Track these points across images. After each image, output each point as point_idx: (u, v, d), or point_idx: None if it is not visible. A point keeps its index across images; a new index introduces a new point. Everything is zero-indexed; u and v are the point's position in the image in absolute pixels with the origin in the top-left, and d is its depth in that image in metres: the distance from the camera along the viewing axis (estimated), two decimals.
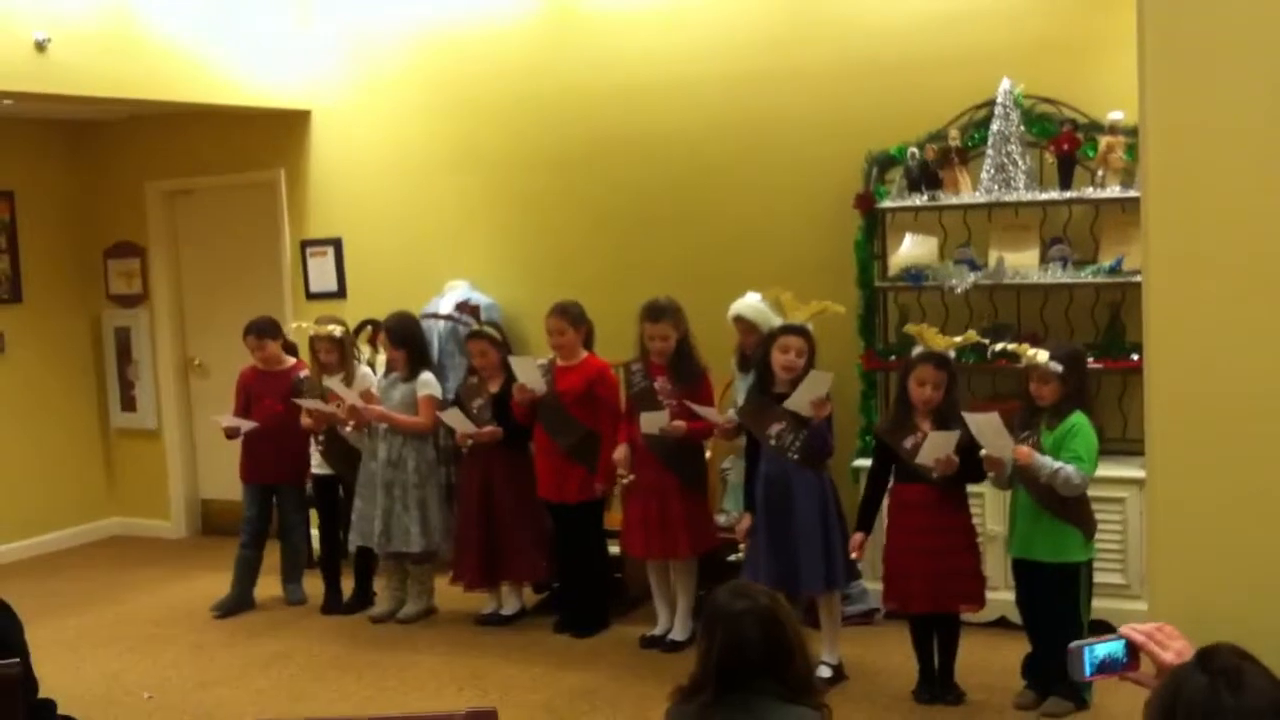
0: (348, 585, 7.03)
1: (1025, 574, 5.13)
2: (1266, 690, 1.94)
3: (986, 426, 4.88)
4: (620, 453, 6.13)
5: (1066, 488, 4.87)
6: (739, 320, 6.22)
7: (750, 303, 6.19)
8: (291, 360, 7.22)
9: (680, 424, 5.91)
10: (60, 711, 3.58)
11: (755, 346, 5.92)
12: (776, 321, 5.72)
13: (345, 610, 6.94)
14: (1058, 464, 4.86)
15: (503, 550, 6.51)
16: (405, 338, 6.73)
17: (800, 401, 5.36)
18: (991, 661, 5.52)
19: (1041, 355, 4.97)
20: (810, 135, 6.80)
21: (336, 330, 6.84)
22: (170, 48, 7.32)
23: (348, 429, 6.71)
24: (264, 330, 7.08)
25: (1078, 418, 4.98)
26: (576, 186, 7.48)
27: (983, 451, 4.96)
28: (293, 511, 7.24)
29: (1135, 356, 5.79)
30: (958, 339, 5.33)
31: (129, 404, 9.11)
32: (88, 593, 7.65)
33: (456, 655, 6.18)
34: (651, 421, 5.91)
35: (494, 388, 6.52)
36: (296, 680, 5.97)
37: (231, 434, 7.09)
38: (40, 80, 6.73)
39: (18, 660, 3.10)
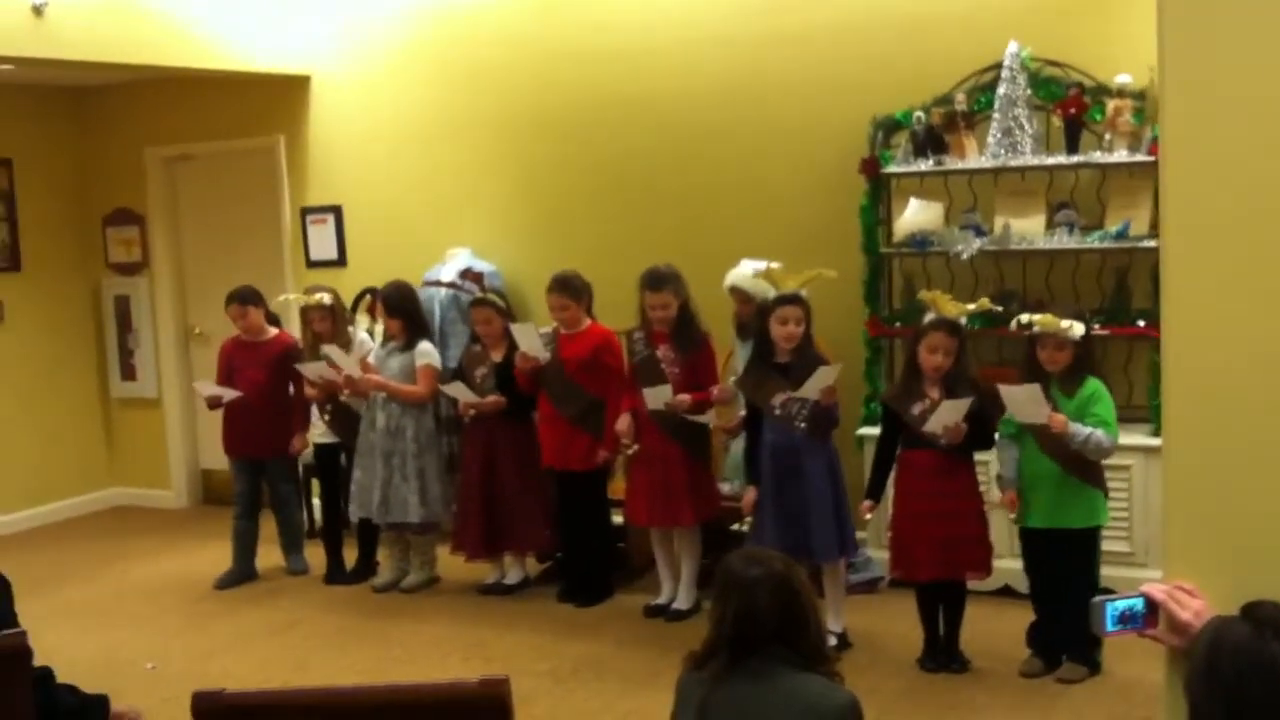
0: (351, 555, 7.01)
1: (1043, 542, 5.10)
2: None
3: (1023, 397, 4.87)
4: (623, 422, 6.10)
5: (1098, 452, 4.91)
6: (735, 291, 6.19)
7: (744, 273, 6.15)
8: (274, 330, 7.14)
9: (685, 398, 5.88)
10: (61, 681, 3.55)
11: (752, 316, 5.89)
12: (771, 291, 5.67)
13: (348, 580, 6.92)
14: (1088, 429, 4.86)
15: (506, 520, 6.49)
16: (401, 307, 6.67)
17: (809, 392, 5.33)
18: (997, 630, 5.50)
19: (1064, 322, 4.92)
20: (814, 99, 6.74)
21: (326, 298, 6.80)
22: (169, 12, 7.25)
23: (344, 395, 6.67)
24: (247, 298, 6.99)
25: (1094, 383, 4.97)
26: (577, 152, 7.42)
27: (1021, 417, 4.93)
28: (283, 483, 7.15)
29: (1141, 323, 5.75)
30: (971, 306, 5.29)
31: (129, 373, 9.08)
32: (89, 563, 7.64)
33: (460, 625, 6.16)
34: (655, 397, 5.87)
35: (497, 356, 6.48)
36: (299, 650, 5.95)
37: (214, 403, 7.01)
38: (38, 45, 6.65)
39: (23, 630, 3.07)
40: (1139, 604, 2.29)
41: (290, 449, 7.02)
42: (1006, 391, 4.92)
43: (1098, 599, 2.30)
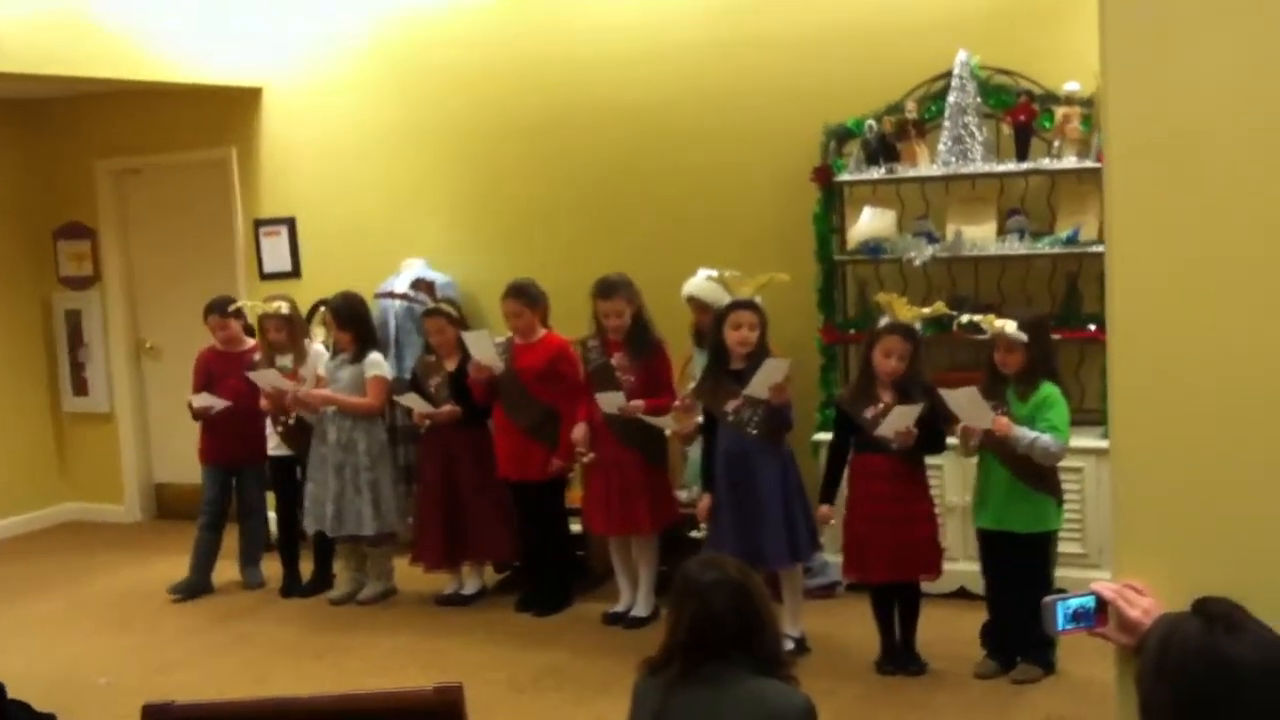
0: (307, 568, 6.97)
1: (995, 544, 5.14)
2: (1264, 639, 1.96)
3: (965, 400, 4.91)
4: (579, 431, 6.10)
5: (1045, 457, 4.92)
6: (692, 300, 6.21)
7: (701, 282, 6.18)
8: (251, 341, 7.13)
9: (638, 403, 5.89)
10: (13, 696, 3.50)
11: (709, 324, 5.91)
12: (727, 298, 5.70)
13: (304, 593, 6.88)
14: (1034, 434, 4.89)
15: (465, 530, 6.48)
16: (351, 318, 6.65)
17: (758, 388, 5.35)
18: (952, 632, 5.54)
19: (1009, 325, 4.98)
20: (767, 107, 6.77)
21: (284, 307, 6.77)
22: (119, 25, 7.20)
23: (293, 415, 6.65)
24: (226, 309, 7.00)
25: (1049, 388, 5.01)
26: (532, 161, 7.42)
27: (960, 425, 4.97)
28: (254, 494, 7.15)
29: (1093, 327, 5.81)
30: (926, 310, 5.34)
31: (81, 387, 8.99)
32: (42, 578, 7.55)
33: (418, 636, 6.14)
34: (609, 402, 5.89)
35: (451, 365, 6.47)
36: (256, 663, 5.91)
37: (201, 414, 6.96)
38: None
39: None
40: (1089, 602, 2.32)
41: (264, 459, 7.00)
42: (949, 395, 4.96)
43: (1049, 599, 2.32)
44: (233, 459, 7.04)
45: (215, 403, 6.91)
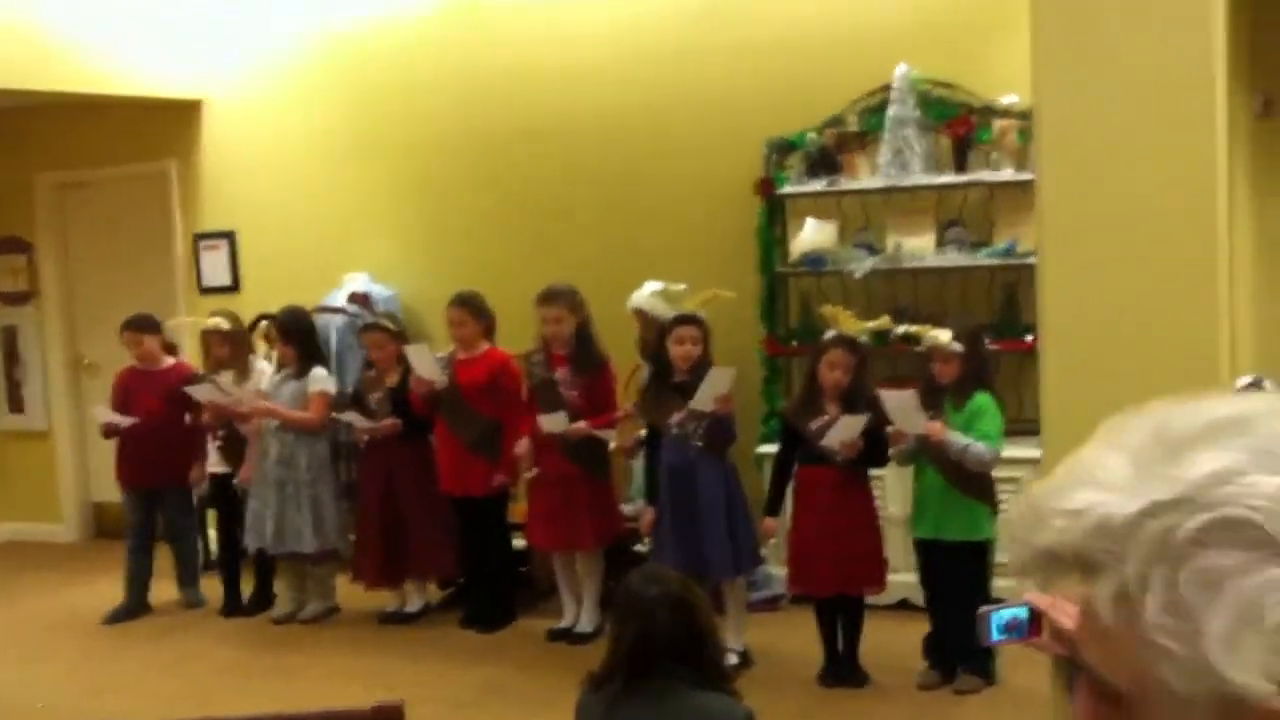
0: (248, 586, 6.89)
1: (932, 554, 5.17)
2: None
3: (901, 403, 4.95)
4: (522, 446, 6.08)
5: (978, 464, 4.96)
6: (638, 313, 6.21)
7: (646, 295, 6.19)
8: (171, 360, 7.00)
9: (580, 426, 5.87)
10: None
11: (653, 337, 5.92)
12: (672, 312, 5.72)
13: (246, 612, 6.80)
14: (967, 440, 4.93)
15: (406, 546, 6.43)
16: (294, 333, 6.58)
17: (704, 400, 5.36)
18: (894, 643, 5.55)
19: (943, 336, 5.03)
20: (709, 120, 6.79)
21: (225, 324, 6.71)
22: (56, 37, 7.11)
23: (243, 426, 6.56)
24: (142, 325, 6.85)
25: (982, 398, 5.06)
26: (475, 175, 7.40)
27: (890, 427, 5.00)
28: (179, 515, 6.99)
29: (1030, 337, 5.84)
30: (871, 324, 5.37)
31: (16, 405, 8.87)
32: None
33: (361, 654, 6.08)
34: (552, 423, 5.86)
35: (392, 380, 6.43)
36: (197, 684, 5.84)
37: (110, 431, 6.84)
38: None
39: None
40: (1023, 613, 2.32)
41: (188, 479, 6.88)
42: (887, 397, 5.01)
43: (983, 609, 2.32)
44: (153, 480, 6.86)
45: (120, 420, 6.75)
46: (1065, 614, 2.28)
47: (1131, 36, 2.80)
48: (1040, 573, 0.88)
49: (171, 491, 6.91)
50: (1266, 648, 0.77)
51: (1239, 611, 0.78)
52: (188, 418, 6.86)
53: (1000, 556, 5.45)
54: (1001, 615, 2.32)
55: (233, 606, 6.84)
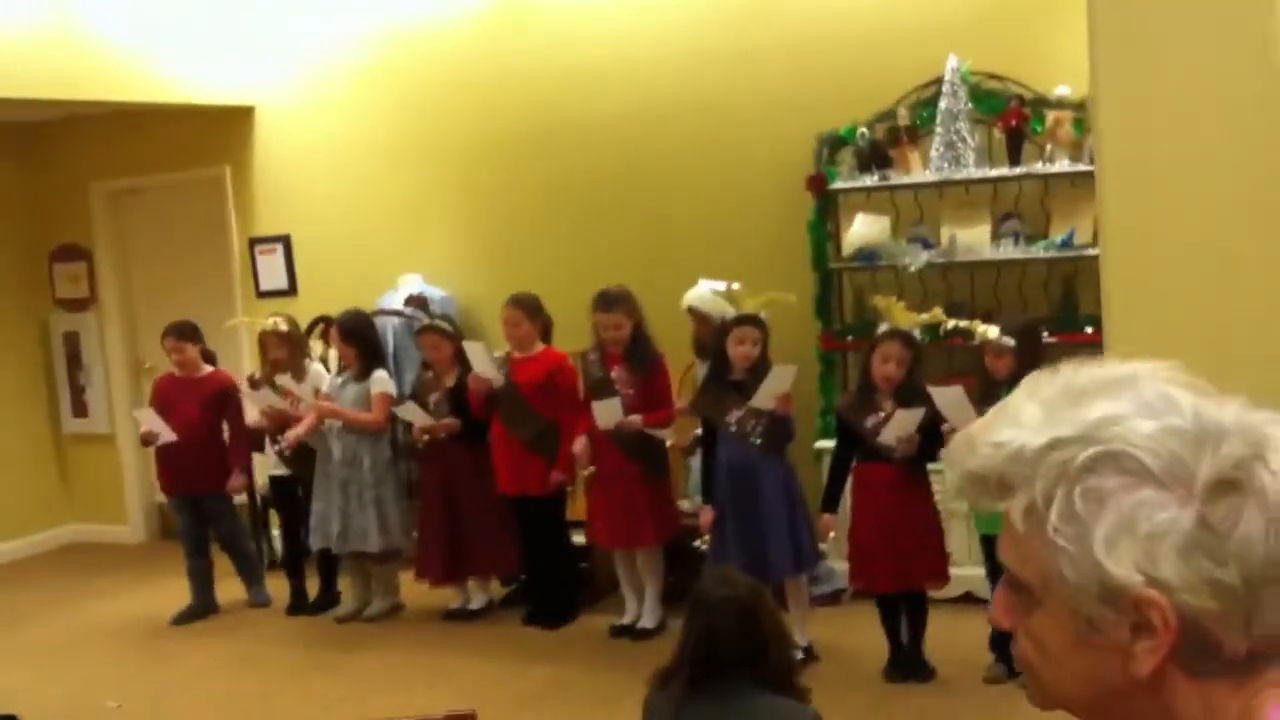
0: (314, 585, 6.98)
1: (996, 548, 5.16)
2: None
3: (951, 400, 4.94)
4: (579, 445, 6.11)
5: None
6: (693, 311, 6.24)
7: (702, 293, 6.21)
8: (209, 368, 7.04)
9: (634, 420, 5.90)
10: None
11: (711, 335, 5.94)
12: (729, 310, 5.74)
13: (311, 611, 6.89)
14: None
15: (468, 545, 6.49)
16: (356, 335, 6.65)
17: (765, 398, 5.38)
18: (960, 637, 5.56)
19: (992, 331, 5.03)
20: (759, 116, 6.80)
21: (283, 324, 6.78)
22: (110, 46, 7.22)
23: (301, 430, 6.63)
24: (183, 333, 6.91)
25: None
26: (527, 174, 7.44)
27: (945, 425, 5.00)
28: (225, 520, 7.03)
29: (1089, 329, 5.84)
30: (924, 316, 5.37)
31: (81, 409, 9.01)
32: (47, 602, 7.56)
33: (425, 652, 6.15)
34: (606, 411, 5.89)
35: (449, 381, 6.49)
36: (263, 683, 5.93)
37: (148, 440, 6.86)
38: None
39: None
40: None
41: (227, 487, 6.94)
42: (936, 393, 5.00)
43: None
44: (194, 488, 6.91)
45: (163, 431, 6.77)
46: None
47: (1194, 20, 2.78)
48: (968, 491, 1.10)
49: (212, 499, 6.95)
50: (1138, 550, 0.99)
51: (1118, 521, 1.00)
52: (226, 427, 6.94)
53: None
54: None
55: (298, 606, 6.93)
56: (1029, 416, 1.06)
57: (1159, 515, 0.99)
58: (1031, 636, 1.10)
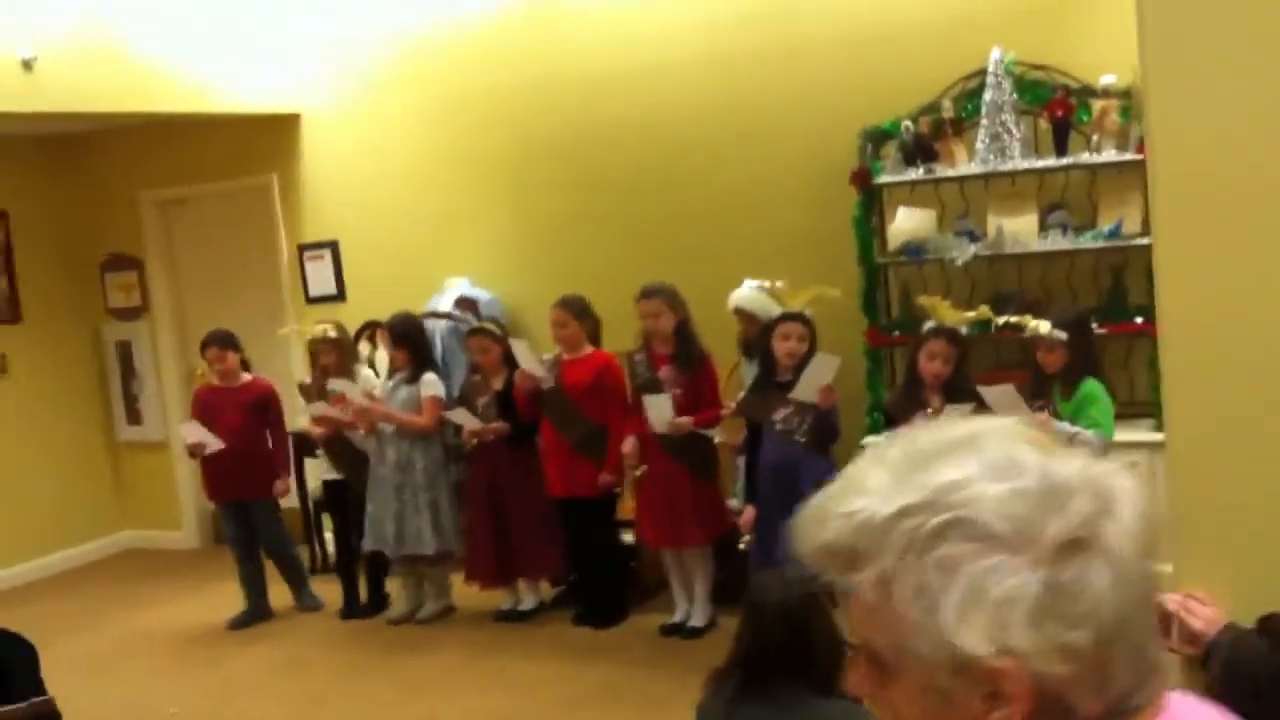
0: (364, 588, 7.03)
1: None
2: None
3: (1002, 397, 4.90)
4: (629, 445, 6.13)
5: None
6: (739, 311, 6.23)
7: (747, 293, 6.20)
8: (248, 376, 7.11)
9: (684, 421, 5.90)
10: None
11: (757, 334, 5.93)
12: (775, 310, 5.73)
13: (363, 614, 6.94)
14: (1075, 429, 4.88)
15: (516, 547, 6.51)
16: (407, 337, 6.70)
17: (807, 389, 5.36)
18: None
19: (1043, 326, 4.99)
20: (802, 112, 6.77)
21: (332, 331, 6.84)
22: (155, 58, 7.30)
23: (359, 433, 6.68)
24: (225, 341, 6.98)
25: (1091, 385, 5.00)
26: (572, 175, 7.45)
27: None
28: (270, 525, 7.07)
29: (1139, 319, 5.77)
30: (970, 314, 5.34)
31: (134, 417, 9.11)
32: (104, 610, 7.65)
33: (478, 654, 6.18)
34: (657, 407, 5.88)
35: (498, 384, 6.51)
36: (318, 686, 5.98)
37: (195, 451, 6.94)
38: (29, 99, 6.70)
39: (50, 698, 3.11)
40: None
41: (273, 492, 7.00)
42: (986, 392, 4.96)
43: None
44: (236, 495, 6.99)
45: (209, 440, 6.84)
46: (1196, 616, 2.28)
47: (1247, 2, 2.73)
48: (821, 563, 1.07)
49: (258, 505, 7.01)
50: (989, 619, 0.97)
51: (968, 590, 0.97)
52: (269, 434, 7.01)
53: None
54: None
55: (351, 609, 6.98)
56: (876, 483, 1.04)
57: (1009, 581, 0.97)
58: (888, 707, 1.07)
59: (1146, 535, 1.01)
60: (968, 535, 0.98)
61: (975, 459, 1.01)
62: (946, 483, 1.00)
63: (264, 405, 6.98)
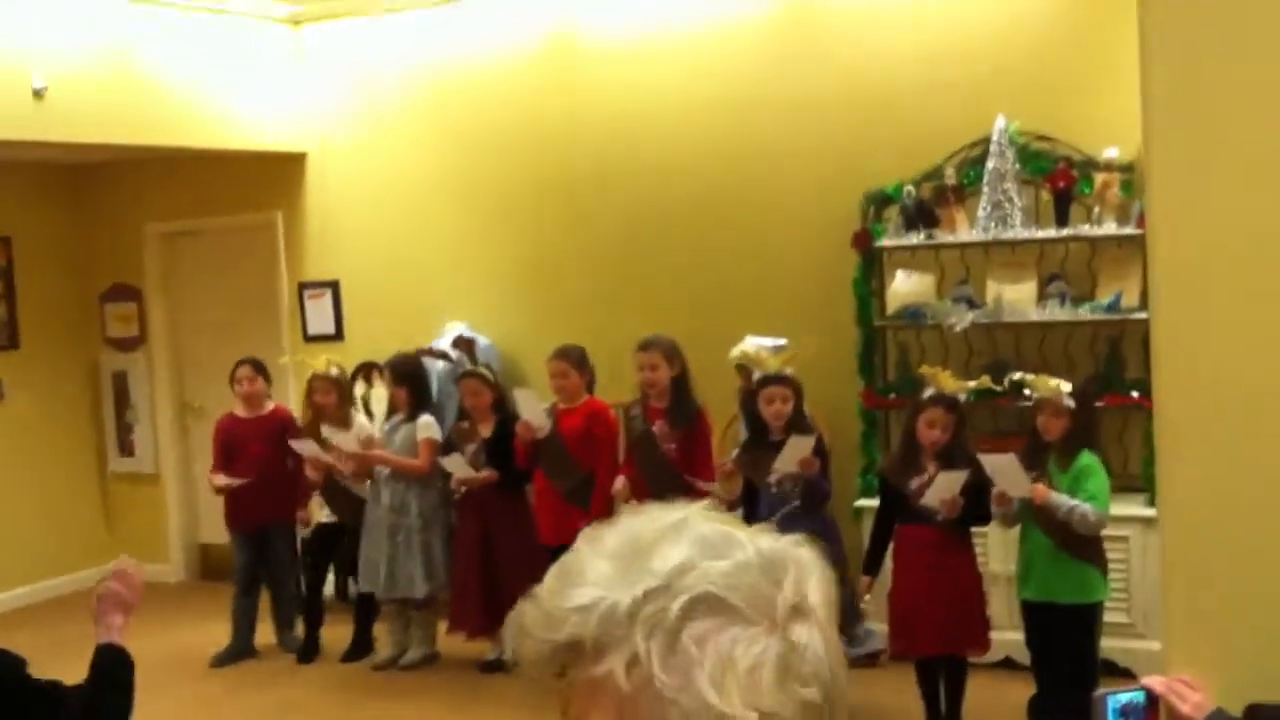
0: (337, 632, 6.95)
1: (1039, 615, 5.11)
2: None
3: (1004, 467, 4.91)
4: (619, 484, 6.11)
5: (1084, 525, 4.89)
6: (740, 367, 6.24)
7: (748, 349, 6.21)
8: (273, 404, 7.15)
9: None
10: None
11: (744, 395, 5.97)
12: (771, 366, 5.76)
13: (344, 658, 6.86)
14: (1073, 502, 4.88)
15: (505, 595, 6.46)
16: (407, 377, 6.70)
17: (787, 462, 5.39)
18: (997, 703, 5.49)
19: (1065, 385, 5.00)
20: (807, 171, 6.82)
21: (334, 370, 6.85)
22: (166, 92, 7.34)
23: (348, 477, 6.67)
24: (258, 365, 7.05)
25: (1088, 458, 5.00)
26: (574, 226, 7.48)
27: (995, 490, 4.97)
28: (285, 552, 7.10)
29: (1135, 393, 5.79)
30: (971, 384, 5.35)
31: (127, 448, 9.08)
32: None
33: (462, 704, 6.13)
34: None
35: (486, 431, 6.49)
36: None
37: (222, 491, 6.98)
38: (39, 128, 6.74)
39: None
40: (1140, 697, 2.32)
41: (297, 516, 7.03)
42: (987, 461, 4.97)
43: (1099, 693, 2.33)
44: (260, 520, 7.00)
45: (233, 481, 6.88)
46: (1184, 700, 2.28)
47: (1251, 81, 2.76)
48: (561, 661, 1.06)
49: (279, 530, 7.05)
50: (743, 685, 1.00)
51: (719, 662, 1.00)
52: (290, 460, 7.00)
53: (1108, 616, 5.39)
54: (1118, 699, 2.32)
55: (311, 653, 6.93)
56: (600, 574, 1.05)
57: (753, 649, 1.01)
58: None
59: (831, 604, 1.07)
60: (709, 611, 1.01)
61: (691, 539, 1.05)
62: (676, 566, 1.03)
63: (285, 432, 6.97)
